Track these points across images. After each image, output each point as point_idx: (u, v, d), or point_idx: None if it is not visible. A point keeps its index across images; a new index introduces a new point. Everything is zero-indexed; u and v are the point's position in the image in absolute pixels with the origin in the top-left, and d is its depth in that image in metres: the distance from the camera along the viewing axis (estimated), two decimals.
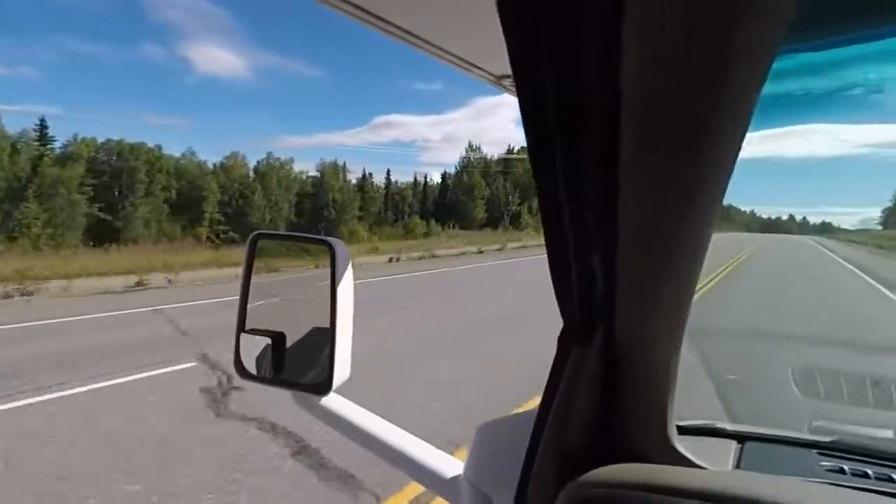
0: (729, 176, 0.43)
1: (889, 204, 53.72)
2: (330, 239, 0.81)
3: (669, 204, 0.44)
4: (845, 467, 0.76)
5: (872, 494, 0.63)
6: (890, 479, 0.73)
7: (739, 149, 0.41)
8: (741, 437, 0.86)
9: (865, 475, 0.74)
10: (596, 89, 0.38)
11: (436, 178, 64.68)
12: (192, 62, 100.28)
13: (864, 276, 13.09)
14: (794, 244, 32.00)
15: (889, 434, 1.04)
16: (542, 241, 0.51)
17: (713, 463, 0.70)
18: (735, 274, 12.67)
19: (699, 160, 0.40)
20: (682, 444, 0.69)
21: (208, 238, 38.82)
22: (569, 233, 0.49)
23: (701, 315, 6.01)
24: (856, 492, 0.66)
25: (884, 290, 10.49)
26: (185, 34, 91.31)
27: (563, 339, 0.62)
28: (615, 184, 0.43)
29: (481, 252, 25.89)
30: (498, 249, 27.96)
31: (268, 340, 0.81)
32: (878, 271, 13.70)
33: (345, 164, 51.35)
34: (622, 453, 0.64)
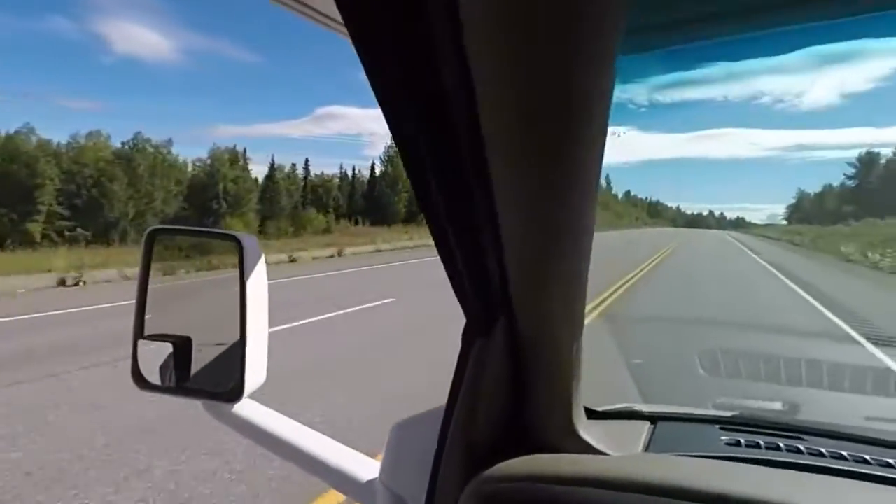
0: (596, 176, 0.45)
1: (792, 201, 60.13)
2: (237, 233, 0.77)
3: (543, 203, 0.46)
4: (741, 440, 0.82)
5: (757, 466, 0.69)
6: (777, 448, 0.79)
7: (601, 150, 0.44)
8: (653, 418, 0.91)
9: (757, 445, 0.80)
10: (452, 93, 0.39)
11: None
12: (107, 40, 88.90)
13: (771, 268, 14.34)
14: (712, 238, 34.30)
15: (778, 406, 1.18)
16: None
17: (626, 445, 0.78)
18: (661, 266, 14.02)
19: (562, 162, 0.42)
20: (599, 429, 0.73)
21: (45, 236, 31.16)
22: (453, 231, 0.50)
23: (628, 304, 7.23)
24: (743, 465, 0.69)
25: (788, 281, 11.44)
26: (97, 8, 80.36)
27: (466, 333, 0.62)
28: (487, 185, 0.45)
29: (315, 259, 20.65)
30: (372, 252, 23.23)
31: (170, 346, 0.75)
32: (786, 265, 14.87)
33: (245, 151, 46.07)
34: (531, 444, 0.66)
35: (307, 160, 59.80)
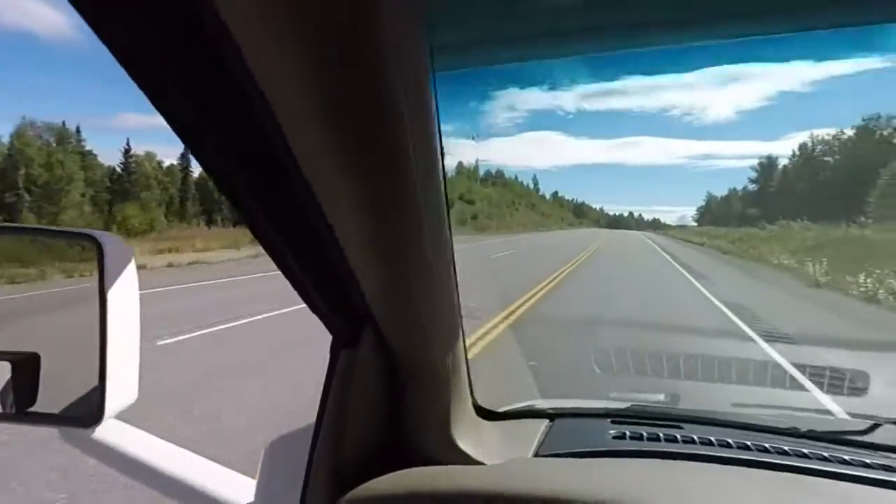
0: (437, 188, 0.45)
1: (702, 203, 65.13)
2: (97, 233, 0.67)
3: (379, 218, 0.45)
4: (627, 432, 0.88)
5: (633, 460, 0.76)
6: (657, 438, 0.85)
7: (434, 166, 0.44)
8: (552, 415, 0.95)
9: (640, 437, 0.86)
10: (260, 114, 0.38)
11: None
12: None
13: (674, 264, 15.63)
14: (632, 239, 36.50)
15: (661, 397, 1.28)
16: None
17: (520, 446, 0.79)
18: (580, 268, 14.15)
19: (391, 178, 0.41)
20: (495, 432, 0.79)
21: None
22: (292, 252, 0.48)
23: (545, 306, 7.39)
24: (619, 461, 0.76)
25: (689, 277, 12.31)
26: None
27: (333, 348, 0.60)
28: (316, 205, 0.44)
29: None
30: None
31: (8, 366, 0.65)
32: (694, 265, 15.95)
33: (78, 129, 36.94)
34: (407, 458, 0.65)
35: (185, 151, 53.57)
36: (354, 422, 0.60)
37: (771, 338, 5.86)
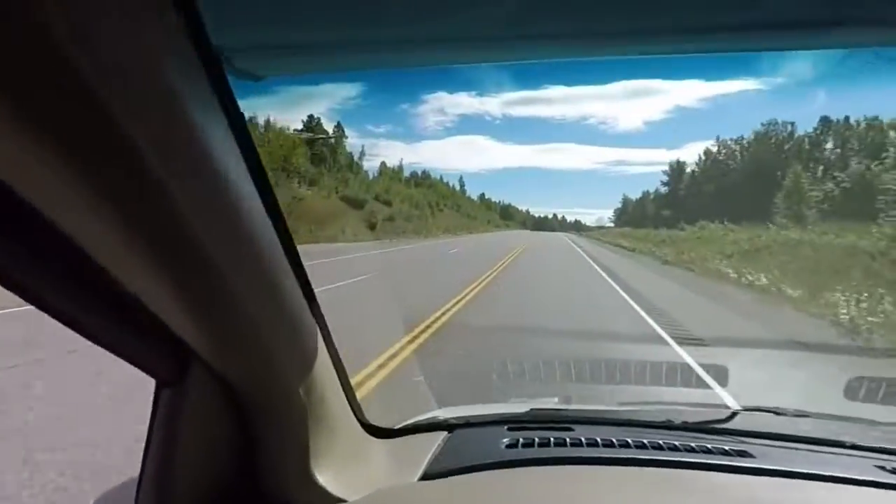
0: (223, 215, 0.43)
1: (618, 206, 71.03)
2: None
3: (169, 247, 0.42)
4: (520, 438, 0.95)
5: (518, 469, 0.83)
6: (548, 444, 0.93)
7: (219, 186, 0.41)
8: (450, 426, 1.02)
9: (532, 443, 0.93)
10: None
11: None
12: None
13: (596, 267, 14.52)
14: (556, 243, 35.74)
15: (555, 401, 1.32)
16: None
17: (412, 463, 0.83)
18: (500, 277, 12.03)
19: (168, 204, 0.38)
20: (384, 450, 0.83)
21: None
22: (72, 304, 0.43)
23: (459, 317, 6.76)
24: (503, 473, 0.82)
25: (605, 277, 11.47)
26: None
27: (157, 388, 0.57)
28: (85, 252, 0.40)
29: None
30: None
31: None
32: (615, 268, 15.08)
33: None
34: (264, 499, 0.62)
35: None
36: (187, 467, 0.56)
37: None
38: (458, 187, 79.15)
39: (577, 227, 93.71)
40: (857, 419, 1.40)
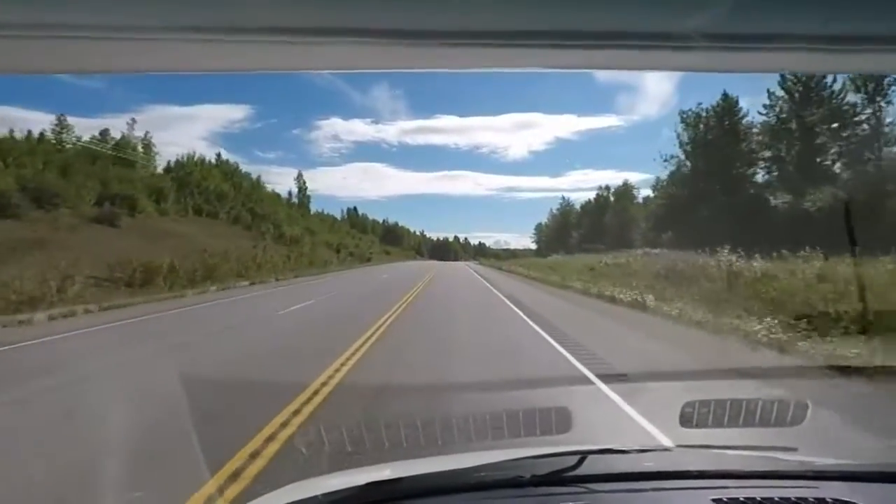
0: None
1: (517, 230, 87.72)
2: None
3: None
4: None
5: None
6: None
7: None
8: None
9: None
10: None
11: None
12: None
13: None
14: (458, 272, 35.98)
15: (388, 472, 1.21)
16: None
17: None
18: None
19: None
20: None
21: None
22: None
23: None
24: None
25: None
26: None
27: None
28: None
29: None
30: None
31: None
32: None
33: None
34: None
35: None
36: None
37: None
38: (344, 215, 67.82)
39: (480, 250, 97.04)
40: (694, 446, 1.61)
